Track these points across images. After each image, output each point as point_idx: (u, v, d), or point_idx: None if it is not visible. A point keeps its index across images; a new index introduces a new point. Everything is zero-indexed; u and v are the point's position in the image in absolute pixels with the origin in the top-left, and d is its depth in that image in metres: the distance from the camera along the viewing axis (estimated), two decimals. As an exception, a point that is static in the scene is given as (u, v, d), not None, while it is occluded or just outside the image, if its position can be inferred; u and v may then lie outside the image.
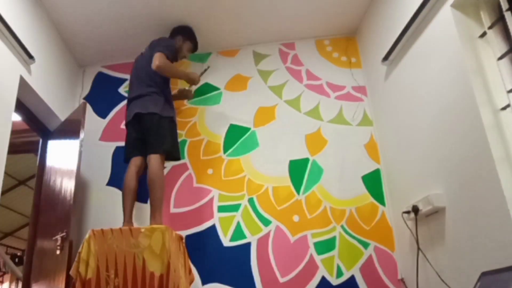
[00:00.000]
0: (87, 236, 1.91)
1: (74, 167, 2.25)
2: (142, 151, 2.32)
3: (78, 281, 1.82)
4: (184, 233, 2.49)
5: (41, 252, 2.41)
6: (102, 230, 1.95)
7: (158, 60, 2.31)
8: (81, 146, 2.31)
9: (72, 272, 1.86)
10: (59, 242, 2.12)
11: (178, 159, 2.44)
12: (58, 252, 2.11)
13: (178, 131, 2.78)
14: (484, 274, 1.47)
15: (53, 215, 2.40)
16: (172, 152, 2.35)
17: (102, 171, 2.71)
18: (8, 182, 7.11)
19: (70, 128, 2.52)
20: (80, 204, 2.61)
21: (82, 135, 2.35)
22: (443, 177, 1.87)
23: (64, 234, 2.11)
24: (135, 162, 2.33)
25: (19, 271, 4.63)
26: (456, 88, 1.74)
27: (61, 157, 2.50)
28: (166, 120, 2.33)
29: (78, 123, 2.40)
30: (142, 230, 1.92)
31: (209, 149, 2.72)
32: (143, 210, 2.58)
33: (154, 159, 2.22)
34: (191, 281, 2.21)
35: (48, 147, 2.69)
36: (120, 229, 1.95)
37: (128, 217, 2.20)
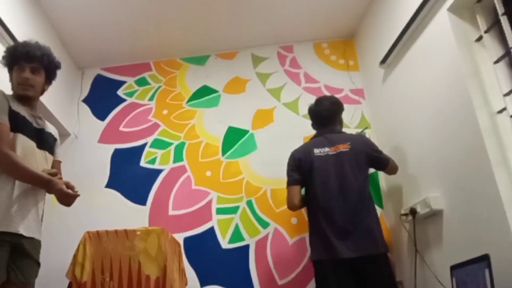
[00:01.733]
0: (82, 238, 1.90)
1: None
2: None
3: (74, 284, 1.81)
4: (182, 235, 2.49)
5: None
6: (97, 232, 1.94)
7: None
8: None
9: (68, 274, 1.85)
10: None
11: None
12: None
13: (177, 134, 2.81)
14: (453, 267, 1.56)
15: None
16: None
17: (100, 173, 2.71)
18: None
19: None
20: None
21: None
22: (440, 180, 1.88)
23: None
24: None
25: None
26: (453, 92, 1.75)
27: None
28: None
29: None
30: (138, 233, 1.92)
31: (208, 151, 2.73)
32: (142, 211, 2.58)
33: None
34: (185, 284, 2.21)
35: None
36: (116, 231, 1.94)
37: None
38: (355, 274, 1.83)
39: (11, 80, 1.62)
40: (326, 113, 2.11)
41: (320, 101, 2.16)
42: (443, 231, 1.87)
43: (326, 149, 1.99)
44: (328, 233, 1.84)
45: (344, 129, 2.67)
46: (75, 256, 1.88)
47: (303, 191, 2.05)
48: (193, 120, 2.84)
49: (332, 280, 1.80)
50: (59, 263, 2.47)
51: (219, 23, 2.75)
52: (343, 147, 1.97)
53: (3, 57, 1.64)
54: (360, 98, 2.80)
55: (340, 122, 2.18)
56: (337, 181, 1.92)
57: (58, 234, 2.55)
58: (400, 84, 2.28)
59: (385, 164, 2.09)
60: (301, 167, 2.00)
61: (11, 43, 2.09)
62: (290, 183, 2.02)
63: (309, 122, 2.73)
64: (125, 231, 1.93)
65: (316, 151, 1.99)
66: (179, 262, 2.16)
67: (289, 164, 2.06)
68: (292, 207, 2.01)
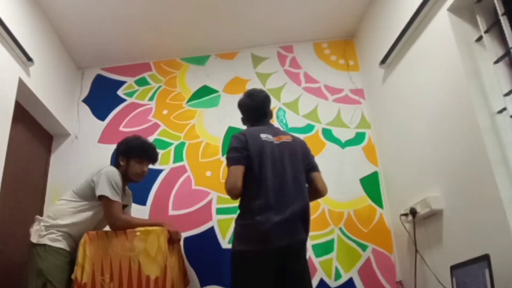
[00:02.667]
0: (82, 240, 1.89)
1: None
2: None
3: (75, 285, 1.80)
4: (182, 235, 2.49)
5: None
6: (96, 233, 1.93)
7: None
8: None
9: (73, 275, 1.84)
10: None
11: None
12: None
13: (177, 133, 2.81)
14: (453, 268, 1.56)
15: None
16: None
17: (100, 173, 2.71)
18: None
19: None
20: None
21: None
22: (440, 180, 1.88)
23: None
24: None
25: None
26: (453, 92, 1.75)
27: None
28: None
29: None
30: (137, 233, 1.90)
31: (208, 151, 2.73)
32: (142, 211, 2.58)
33: None
34: (187, 284, 2.21)
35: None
36: (115, 232, 1.93)
37: None
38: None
39: (126, 166, 2.10)
40: (261, 106, 2.01)
41: (253, 95, 2.06)
42: (443, 231, 1.87)
43: (270, 137, 1.87)
44: (269, 224, 1.67)
45: (344, 129, 2.70)
46: (77, 258, 1.88)
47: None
48: (193, 120, 2.84)
49: (254, 270, 1.69)
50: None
51: (219, 23, 2.75)
52: (285, 138, 1.90)
53: (131, 148, 2.11)
54: (360, 98, 2.80)
55: (271, 115, 2.08)
56: (281, 169, 1.79)
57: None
58: (400, 84, 2.28)
59: (316, 167, 1.96)
60: (248, 148, 1.79)
61: (11, 43, 2.10)
62: (232, 162, 1.78)
63: (309, 121, 2.75)
64: (125, 232, 1.92)
65: (263, 136, 1.85)
66: (180, 262, 2.15)
67: (232, 143, 1.84)
68: (234, 189, 1.74)
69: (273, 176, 1.76)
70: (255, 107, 2.03)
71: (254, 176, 1.76)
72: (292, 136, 1.98)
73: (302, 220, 1.78)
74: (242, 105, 2.07)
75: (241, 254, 1.71)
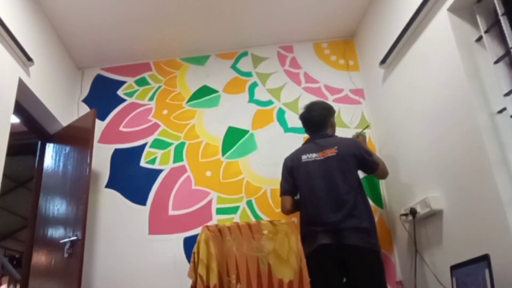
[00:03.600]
0: (202, 235, 1.72)
1: (84, 172, 2.29)
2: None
3: (201, 285, 1.64)
4: (182, 235, 2.50)
5: (41, 254, 2.41)
6: (219, 229, 1.75)
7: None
8: (91, 154, 2.33)
9: (189, 274, 1.72)
10: (68, 246, 2.15)
11: None
12: (66, 255, 2.13)
13: (177, 134, 2.81)
14: (453, 268, 1.56)
15: (54, 217, 2.41)
16: None
17: (100, 173, 2.72)
18: (7, 184, 7.10)
19: (74, 133, 2.56)
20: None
21: (92, 143, 2.39)
22: (440, 180, 1.88)
23: (75, 237, 2.15)
24: None
25: (17, 273, 4.61)
26: (453, 92, 1.75)
27: (64, 160, 2.51)
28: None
29: (86, 130, 2.43)
30: (265, 232, 1.76)
31: (208, 151, 2.73)
32: (142, 211, 2.58)
33: None
34: None
35: (47, 150, 2.69)
36: (239, 228, 1.75)
37: None
38: (341, 266, 1.85)
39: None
40: (316, 119, 2.15)
41: (311, 107, 2.19)
42: (443, 231, 1.87)
43: (314, 154, 2.03)
44: (318, 232, 1.87)
45: (344, 129, 2.70)
46: (195, 254, 1.74)
47: (297, 195, 2.11)
48: (193, 120, 2.84)
49: (314, 266, 1.80)
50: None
51: (219, 23, 2.75)
52: (330, 152, 2.00)
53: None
54: (360, 98, 2.80)
55: (332, 126, 2.20)
56: (324, 185, 1.94)
57: (58, 234, 2.56)
58: (400, 84, 2.28)
59: (373, 167, 2.09)
60: (292, 175, 2.09)
61: (12, 43, 2.10)
62: (282, 193, 2.13)
63: (309, 122, 2.75)
64: (249, 226, 1.75)
65: (304, 157, 2.05)
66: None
67: (282, 174, 2.15)
68: (285, 212, 2.12)
69: (309, 195, 1.99)
70: (310, 120, 2.17)
71: (301, 197, 2.06)
72: (339, 144, 2.03)
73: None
74: (300, 117, 2.24)
75: None
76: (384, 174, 2.18)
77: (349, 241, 1.82)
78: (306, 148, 2.12)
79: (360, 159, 2.03)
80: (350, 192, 1.92)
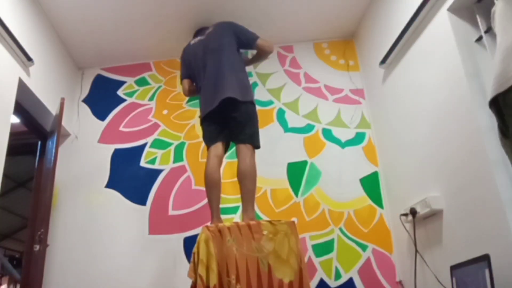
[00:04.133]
0: (202, 235, 1.71)
1: (49, 164, 2.27)
2: (224, 137, 2.11)
3: (200, 285, 1.62)
4: (182, 235, 2.50)
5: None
6: (218, 229, 1.75)
7: (268, 43, 2.26)
8: (56, 143, 2.31)
9: (189, 274, 1.70)
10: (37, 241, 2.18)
11: (258, 147, 2.15)
12: (36, 249, 2.17)
13: (177, 134, 2.81)
14: (453, 268, 1.56)
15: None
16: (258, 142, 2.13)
17: (100, 173, 2.72)
18: (7, 184, 7.10)
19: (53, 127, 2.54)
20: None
21: (58, 132, 2.35)
22: (440, 180, 1.88)
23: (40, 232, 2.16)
24: (216, 151, 2.08)
25: (17, 273, 4.61)
26: (453, 91, 1.75)
27: (49, 156, 2.51)
28: (255, 108, 2.14)
29: (57, 120, 2.41)
30: (265, 232, 1.75)
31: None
32: (142, 211, 2.58)
33: (249, 150, 2.02)
34: None
35: (47, 149, 2.69)
36: (239, 228, 1.75)
37: (216, 213, 2.01)
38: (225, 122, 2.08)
39: None
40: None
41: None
42: (443, 231, 1.87)
43: (199, 37, 2.35)
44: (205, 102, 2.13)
45: (344, 129, 2.70)
46: (195, 254, 1.72)
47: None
48: (193, 120, 2.83)
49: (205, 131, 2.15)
50: (60, 262, 2.49)
51: (219, 23, 2.75)
52: (208, 31, 2.32)
53: None
54: (360, 98, 2.80)
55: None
56: (205, 57, 2.20)
57: (58, 234, 2.56)
58: (400, 84, 2.28)
59: (249, 39, 2.24)
60: (184, 60, 2.36)
61: (11, 43, 2.10)
62: (181, 78, 2.39)
63: (309, 121, 2.75)
64: (249, 226, 1.74)
65: (192, 42, 2.38)
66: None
67: (181, 65, 2.42)
68: (185, 94, 2.43)
69: (198, 71, 2.25)
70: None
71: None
72: (217, 24, 2.33)
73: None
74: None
75: None
76: (266, 47, 2.26)
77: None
78: (195, 35, 2.44)
79: (236, 31, 2.26)
80: (225, 57, 2.15)
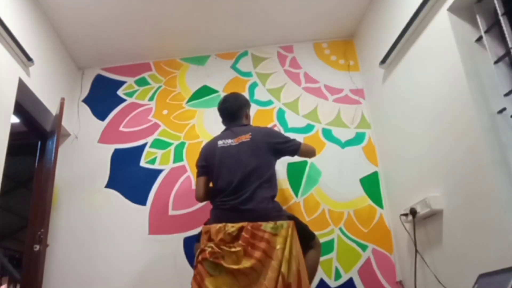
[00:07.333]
0: (290, 230, 1.72)
1: (49, 164, 2.28)
2: None
3: (281, 281, 1.62)
4: (182, 235, 2.50)
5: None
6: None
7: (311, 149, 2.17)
8: (56, 143, 2.32)
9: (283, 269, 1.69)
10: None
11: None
12: (36, 249, 2.18)
13: (177, 134, 2.81)
14: (481, 276, 1.48)
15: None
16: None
17: (100, 173, 2.72)
18: (7, 184, 7.09)
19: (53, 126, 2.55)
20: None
21: (57, 132, 2.35)
22: (440, 180, 1.88)
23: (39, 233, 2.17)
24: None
25: (17, 273, 4.61)
26: (453, 92, 1.75)
27: (49, 156, 2.52)
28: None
29: (57, 119, 2.41)
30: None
31: (208, 151, 2.73)
32: (142, 211, 2.58)
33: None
34: None
35: (47, 149, 2.69)
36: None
37: None
38: None
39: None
40: (231, 109, 2.19)
41: (227, 98, 2.26)
42: (443, 231, 1.87)
43: (229, 140, 2.06)
44: (221, 211, 1.91)
45: (344, 129, 2.70)
46: (282, 250, 1.70)
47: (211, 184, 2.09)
48: (193, 120, 2.84)
49: None
50: (60, 262, 2.49)
51: (219, 23, 2.75)
52: (245, 138, 2.03)
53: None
54: (360, 98, 2.80)
55: (247, 117, 2.25)
56: (236, 167, 1.95)
57: (59, 234, 2.56)
58: (400, 84, 2.28)
59: (291, 149, 2.09)
60: (207, 160, 2.08)
61: (11, 43, 2.10)
62: (197, 174, 2.12)
63: (309, 121, 2.76)
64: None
65: (220, 143, 2.07)
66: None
67: (198, 158, 2.16)
68: (197, 197, 2.11)
69: (221, 176, 1.98)
70: (226, 110, 2.21)
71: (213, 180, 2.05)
72: (253, 131, 2.06)
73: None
74: (218, 109, 2.26)
75: None
76: (310, 152, 2.19)
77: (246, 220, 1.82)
78: (222, 135, 2.14)
79: (274, 143, 2.05)
80: (259, 172, 1.93)
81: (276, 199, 1.95)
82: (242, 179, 1.90)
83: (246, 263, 1.69)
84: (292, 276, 1.66)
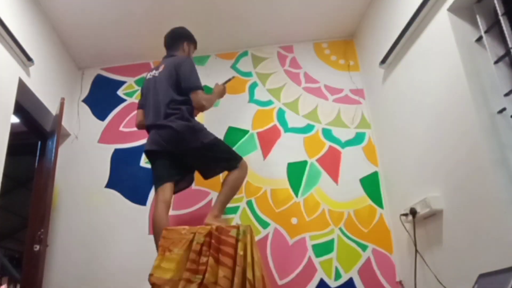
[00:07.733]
0: (249, 237, 1.72)
1: (49, 164, 2.29)
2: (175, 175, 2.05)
3: (248, 285, 1.63)
4: (182, 235, 2.49)
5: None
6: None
7: (203, 100, 2.08)
8: (56, 143, 2.33)
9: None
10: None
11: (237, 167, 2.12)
12: (36, 249, 2.20)
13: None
14: (481, 276, 1.48)
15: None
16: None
17: (100, 173, 2.72)
18: (7, 184, 7.09)
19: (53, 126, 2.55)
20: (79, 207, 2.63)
21: (57, 132, 2.36)
22: (440, 180, 1.88)
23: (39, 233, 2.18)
24: (164, 195, 1.97)
25: (17, 273, 4.61)
26: (453, 92, 1.75)
27: (49, 156, 2.52)
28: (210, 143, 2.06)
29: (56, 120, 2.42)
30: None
31: (208, 151, 2.72)
32: (142, 211, 2.58)
33: (232, 173, 2.07)
34: None
35: (47, 149, 2.69)
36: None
37: None
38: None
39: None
40: (166, 39, 2.32)
41: (173, 28, 2.34)
42: (443, 231, 1.87)
43: (155, 71, 2.20)
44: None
45: (344, 129, 2.70)
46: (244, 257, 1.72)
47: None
48: (193, 120, 2.83)
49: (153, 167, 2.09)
50: (60, 262, 2.49)
51: (219, 23, 2.75)
52: (163, 68, 2.15)
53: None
54: (360, 98, 2.80)
55: (184, 50, 2.30)
56: (153, 96, 2.10)
57: (59, 234, 2.56)
58: (400, 84, 2.28)
59: (187, 85, 2.07)
60: (142, 91, 2.28)
61: (11, 43, 2.10)
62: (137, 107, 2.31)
63: (309, 121, 2.76)
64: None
65: (148, 75, 2.23)
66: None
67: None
68: (136, 125, 2.31)
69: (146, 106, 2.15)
70: (164, 39, 2.33)
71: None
72: (171, 60, 2.16)
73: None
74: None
75: None
76: (203, 101, 2.10)
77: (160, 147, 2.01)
78: (155, 67, 2.27)
79: (178, 72, 2.08)
80: (172, 100, 2.03)
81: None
82: (158, 104, 2.05)
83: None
84: (258, 282, 1.65)
